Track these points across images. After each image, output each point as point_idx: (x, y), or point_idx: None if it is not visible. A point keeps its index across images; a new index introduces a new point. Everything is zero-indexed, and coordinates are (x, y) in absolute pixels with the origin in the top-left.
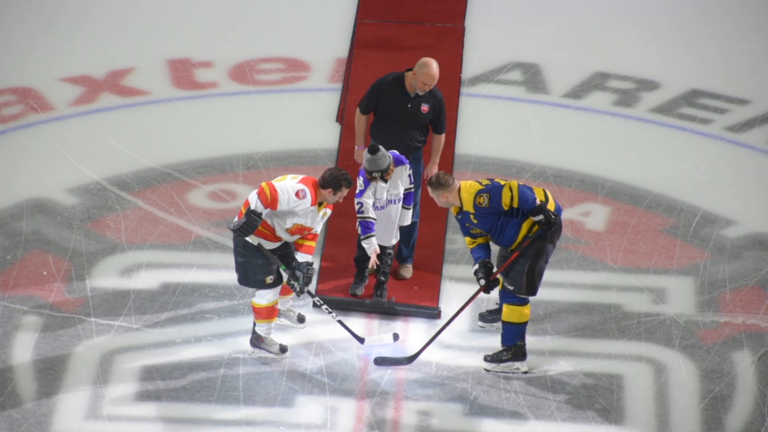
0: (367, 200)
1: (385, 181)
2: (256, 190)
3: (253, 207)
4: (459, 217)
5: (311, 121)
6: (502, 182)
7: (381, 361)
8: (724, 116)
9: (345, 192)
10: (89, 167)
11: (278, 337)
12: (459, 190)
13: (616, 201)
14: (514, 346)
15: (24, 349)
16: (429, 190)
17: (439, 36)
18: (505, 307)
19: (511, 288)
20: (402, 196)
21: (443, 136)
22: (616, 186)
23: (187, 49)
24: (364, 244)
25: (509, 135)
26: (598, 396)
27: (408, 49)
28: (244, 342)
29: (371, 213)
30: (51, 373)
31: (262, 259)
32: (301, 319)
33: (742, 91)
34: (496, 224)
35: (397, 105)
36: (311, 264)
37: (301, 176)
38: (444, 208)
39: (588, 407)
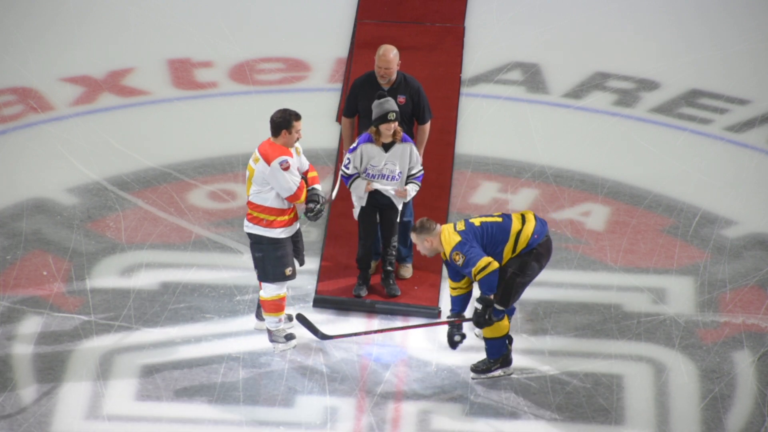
0: (355, 157)
1: (386, 148)
2: (289, 193)
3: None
4: (447, 261)
5: (311, 121)
6: (477, 222)
7: (301, 319)
8: (724, 116)
9: (299, 124)
10: (89, 167)
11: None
12: (440, 235)
13: (616, 201)
14: (501, 357)
15: (24, 348)
16: (412, 236)
17: (439, 36)
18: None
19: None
20: (398, 175)
21: (428, 126)
22: (616, 186)
23: (187, 49)
24: (351, 189)
25: (509, 135)
26: (598, 396)
27: (408, 49)
28: (244, 342)
29: (351, 171)
30: (51, 373)
31: (279, 251)
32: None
33: (742, 91)
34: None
35: (373, 101)
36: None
37: (257, 156)
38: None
39: (588, 407)
